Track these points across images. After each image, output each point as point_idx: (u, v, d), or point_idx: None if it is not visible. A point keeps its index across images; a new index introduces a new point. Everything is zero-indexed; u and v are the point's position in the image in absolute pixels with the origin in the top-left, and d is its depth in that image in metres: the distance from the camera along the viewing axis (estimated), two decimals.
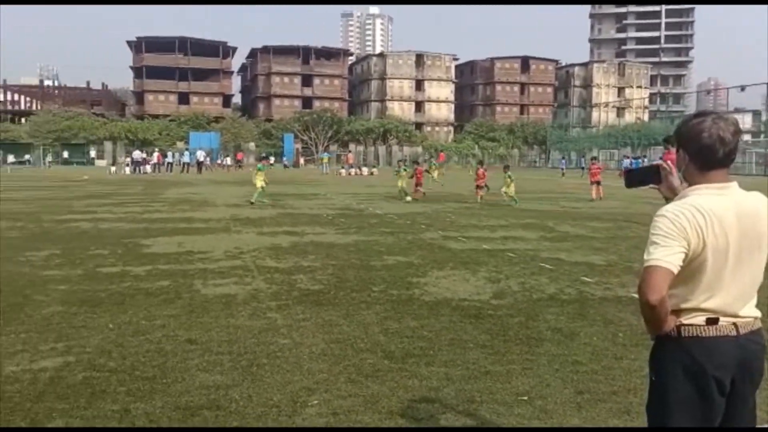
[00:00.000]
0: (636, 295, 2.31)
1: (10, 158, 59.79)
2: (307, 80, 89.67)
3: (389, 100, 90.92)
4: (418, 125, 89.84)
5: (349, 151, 62.31)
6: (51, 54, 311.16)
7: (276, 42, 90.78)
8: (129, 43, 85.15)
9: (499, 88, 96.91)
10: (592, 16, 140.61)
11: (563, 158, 59.89)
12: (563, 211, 18.04)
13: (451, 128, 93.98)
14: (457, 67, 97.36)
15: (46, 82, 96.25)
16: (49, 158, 60.14)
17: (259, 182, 19.79)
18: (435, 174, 30.93)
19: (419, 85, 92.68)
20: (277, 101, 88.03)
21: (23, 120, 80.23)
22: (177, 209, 17.68)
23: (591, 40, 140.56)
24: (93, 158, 65.03)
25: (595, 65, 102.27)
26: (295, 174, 48.15)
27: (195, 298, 6.98)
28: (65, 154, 65.08)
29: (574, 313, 6.42)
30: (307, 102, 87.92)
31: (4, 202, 19.36)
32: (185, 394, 4.25)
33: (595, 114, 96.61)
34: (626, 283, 7.75)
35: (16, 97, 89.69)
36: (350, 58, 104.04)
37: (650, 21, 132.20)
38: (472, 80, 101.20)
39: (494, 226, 14.11)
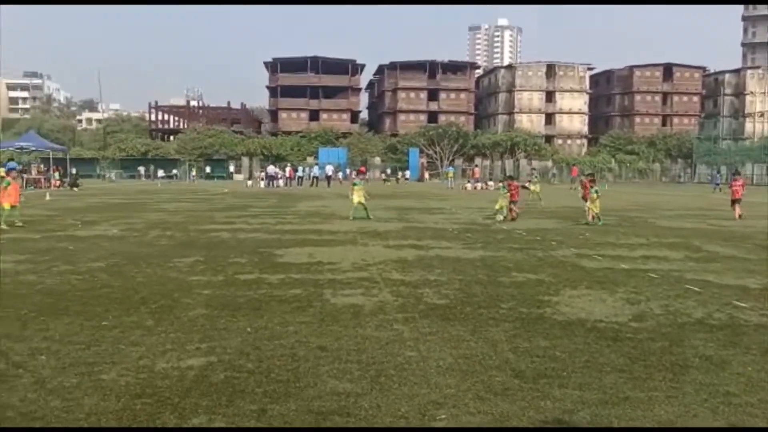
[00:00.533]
0: None
1: (160, 172, 65.12)
2: (433, 94, 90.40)
3: (517, 112, 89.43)
4: (548, 138, 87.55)
5: (476, 166, 61.88)
6: (197, 76, 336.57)
7: (402, 58, 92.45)
8: (266, 64, 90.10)
9: (638, 97, 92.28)
10: (745, 18, 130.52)
11: (717, 172, 55.24)
12: (712, 230, 16.78)
13: (585, 141, 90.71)
14: (591, 77, 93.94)
15: (192, 103, 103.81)
16: (193, 172, 64.84)
17: (357, 198, 18.81)
18: (534, 187, 27.87)
19: (550, 96, 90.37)
20: (402, 116, 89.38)
21: (171, 137, 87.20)
22: (307, 221, 18.38)
23: (744, 45, 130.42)
24: (232, 173, 69.19)
25: (749, 72, 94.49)
26: (420, 188, 48.55)
27: (325, 307, 7.19)
28: (207, 169, 69.83)
29: (725, 340, 5.93)
30: (432, 116, 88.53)
31: (156, 213, 21.07)
32: (317, 399, 4.37)
33: (748, 124, 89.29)
34: None
35: (165, 116, 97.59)
36: (477, 71, 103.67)
37: None
38: (608, 90, 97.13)
39: (633, 244, 13.40)
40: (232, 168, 70.35)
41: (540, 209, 23.58)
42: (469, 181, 50.24)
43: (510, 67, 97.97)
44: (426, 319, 6.70)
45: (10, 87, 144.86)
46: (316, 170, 56.92)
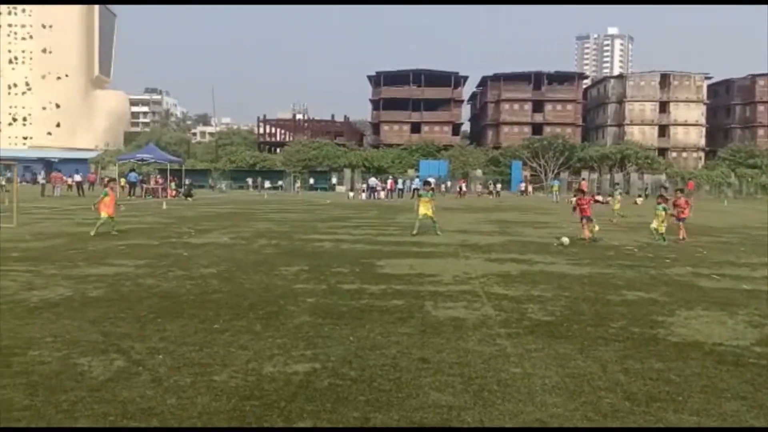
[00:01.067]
0: None
1: (267, 184, 67.82)
2: (538, 106, 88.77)
3: (628, 124, 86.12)
4: (662, 151, 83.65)
5: (582, 179, 59.87)
6: (303, 91, 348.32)
7: (506, 69, 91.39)
8: (369, 77, 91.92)
9: (761, 108, 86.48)
10: None
11: None
12: None
13: (702, 154, 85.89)
14: (709, 86, 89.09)
15: (298, 116, 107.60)
16: (297, 184, 67.04)
17: (423, 210, 17.61)
18: (616, 205, 26.30)
19: (663, 107, 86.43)
20: (505, 128, 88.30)
21: (278, 150, 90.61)
22: (408, 233, 18.45)
23: None
24: (334, 184, 70.92)
25: None
26: (523, 201, 47.61)
27: (426, 319, 7.17)
28: (311, 181, 71.99)
29: None
30: (537, 128, 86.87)
31: (263, 222, 21.90)
32: (419, 411, 4.35)
33: None
34: None
35: (273, 129, 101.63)
36: (585, 81, 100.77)
37: None
38: (728, 101, 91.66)
39: (755, 264, 12.46)
40: (334, 180, 72.09)
41: (616, 224, 22.70)
42: (575, 195, 48.73)
43: (621, 76, 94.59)
44: (530, 335, 6.52)
45: (133, 102, 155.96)
46: (416, 182, 57.21)
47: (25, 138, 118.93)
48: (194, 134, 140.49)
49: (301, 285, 9.29)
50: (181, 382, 4.84)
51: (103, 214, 16.36)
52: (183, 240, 15.47)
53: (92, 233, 15.72)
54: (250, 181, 69.94)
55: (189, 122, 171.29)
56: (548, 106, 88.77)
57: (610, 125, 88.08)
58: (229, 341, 6.06)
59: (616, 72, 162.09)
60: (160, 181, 51.23)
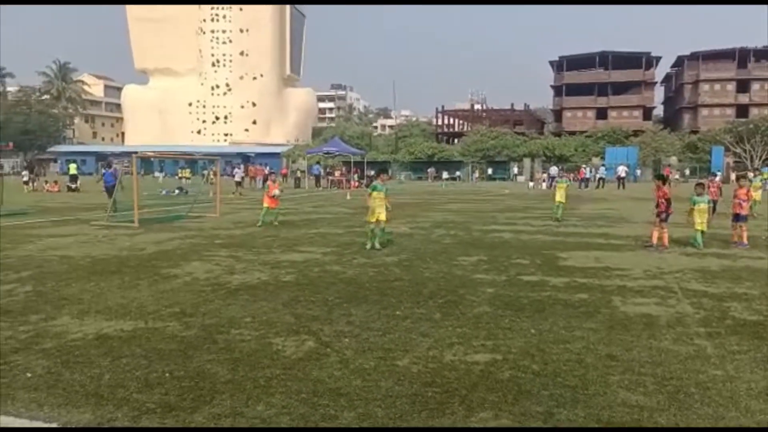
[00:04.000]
0: None
1: (444, 174, 68.42)
2: (743, 86, 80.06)
3: None
4: None
5: (668, 165, 52.00)
6: (481, 80, 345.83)
7: (706, 47, 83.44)
8: (551, 63, 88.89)
9: None
10: None
11: None
12: None
13: None
14: None
15: (476, 106, 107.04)
16: (475, 174, 66.78)
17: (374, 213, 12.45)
18: (755, 193, 20.53)
19: None
20: (704, 111, 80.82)
21: (456, 140, 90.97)
22: (593, 224, 17.60)
23: None
24: (515, 174, 69.61)
25: None
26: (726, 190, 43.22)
27: (614, 315, 6.78)
28: (489, 171, 71.37)
29: None
30: (742, 110, 78.35)
31: (441, 213, 22.14)
32: (607, 409, 4.14)
33: None
34: None
35: (451, 120, 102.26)
36: None
37: None
38: None
39: None
40: (515, 169, 70.76)
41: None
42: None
43: None
44: (734, 335, 5.91)
45: (320, 98, 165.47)
46: (603, 171, 54.26)
47: (225, 135, 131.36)
48: (375, 127, 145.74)
49: (480, 275, 9.25)
50: (366, 365, 5.05)
51: (265, 205, 17.48)
52: (365, 229, 16.12)
53: (258, 224, 16.72)
54: (429, 171, 71.04)
55: (371, 115, 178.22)
56: (755, 85, 79.60)
57: None
58: (411, 328, 6.21)
59: None
60: (345, 172, 53.84)
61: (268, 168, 52.65)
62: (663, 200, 12.41)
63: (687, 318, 6.63)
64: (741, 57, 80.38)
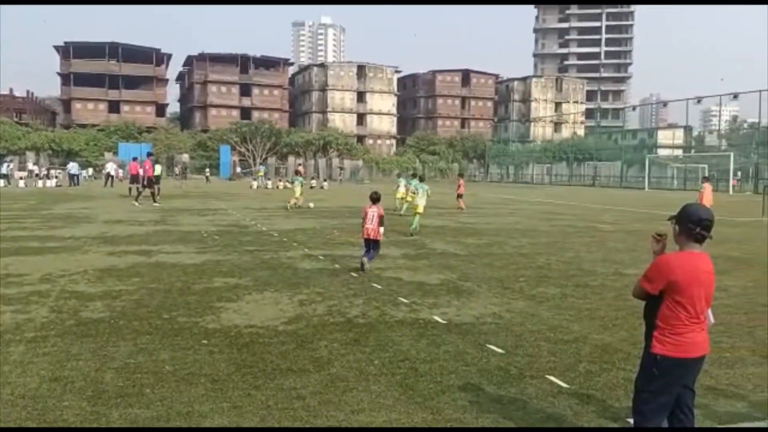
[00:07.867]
0: None
1: None
2: (245, 90, 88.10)
3: (330, 111, 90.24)
4: (360, 138, 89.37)
5: (299, 164, 58.82)
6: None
7: (219, 50, 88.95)
8: (56, 47, 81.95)
9: (440, 101, 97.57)
10: (536, 31, 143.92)
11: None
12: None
13: (393, 141, 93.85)
14: (399, 79, 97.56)
15: None
16: None
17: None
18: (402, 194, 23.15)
19: (361, 96, 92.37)
20: (213, 111, 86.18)
21: None
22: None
23: (535, 55, 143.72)
24: (10, 169, 61.51)
25: (534, 80, 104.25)
26: (229, 187, 46.71)
27: None
28: None
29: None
30: (245, 113, 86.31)
31: None
32: None
33: (533, 128, 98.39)
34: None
35: None
36: (291, 67, 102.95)
37: (591, 37, 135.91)
38: (414, 93, 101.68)
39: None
40: (10, 165, 62.52)
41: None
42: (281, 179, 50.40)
43: (322, 65, 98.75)
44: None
45: None
46: (111, 168, 51.70)
47: None
48: None
49: None
50: None
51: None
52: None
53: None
54: None
55: None
56: (255, 91, 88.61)
57: (315, 112, 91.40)
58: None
59: (331, 60, 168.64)
60: None
61: None
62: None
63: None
64: (243, 63, 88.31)
